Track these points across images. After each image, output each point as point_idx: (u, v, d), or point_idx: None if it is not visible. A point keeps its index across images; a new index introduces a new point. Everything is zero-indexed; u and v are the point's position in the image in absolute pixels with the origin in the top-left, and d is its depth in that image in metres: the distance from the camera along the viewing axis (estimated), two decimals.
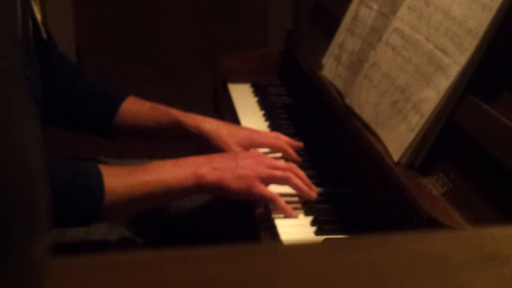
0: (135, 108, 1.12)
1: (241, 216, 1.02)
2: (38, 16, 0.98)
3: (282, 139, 1.10)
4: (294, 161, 1.07)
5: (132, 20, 2.88)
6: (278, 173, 0.92)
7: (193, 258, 0.29)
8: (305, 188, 0.93)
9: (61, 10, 2.81)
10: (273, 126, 1.27)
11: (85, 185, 0.82)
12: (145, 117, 1.12)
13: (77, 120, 1.15)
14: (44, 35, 1.01)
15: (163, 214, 1.12)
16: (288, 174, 0.92)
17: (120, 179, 0.85)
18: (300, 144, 1.11)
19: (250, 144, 1.07)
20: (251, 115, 1.33)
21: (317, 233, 0.87)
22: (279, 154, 1.09)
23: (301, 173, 0.95)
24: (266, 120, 1.31)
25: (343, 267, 0.28)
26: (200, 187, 0.88)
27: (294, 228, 0.89)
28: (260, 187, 0.89)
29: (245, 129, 1.13)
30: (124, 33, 2.89)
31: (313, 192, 0.94)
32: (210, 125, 1.08)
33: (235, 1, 2.83)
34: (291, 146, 1.09)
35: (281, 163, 0.95)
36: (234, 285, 0.27)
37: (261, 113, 1.34)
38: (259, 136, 1.09)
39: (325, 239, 0.85)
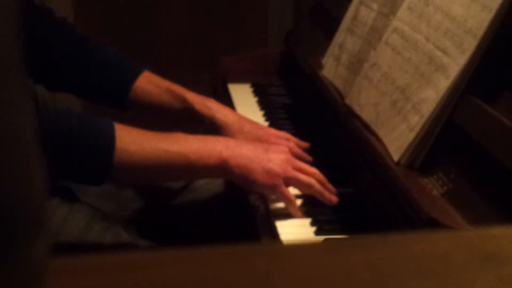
0: (149, 87, 1.07)
1: (241, 216, 1.02)
2: None
3: (292, 140, 1.08)
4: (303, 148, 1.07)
5: (132, 20, 2.88)
6: (303, 177, 0.91)
7: (193, 258, 0.29)
8: (328, 196, 0.92)
9: (61, 11, 2.81)
10: (273, 126, 1.26)
11: (95, 133, 0.79)
12: (159, 99, 1.07)
13: (88, 91, 1.10)
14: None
15: (163, 214, 1.12)
16: (312, 181, 0.91)
17: (136, 138, 0.80)
18: (306, 144, 1.10)
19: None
20: (251, 115, 1.33)
21: (317, 233, 0.87)
22: None
23: (323, 179, 0.94)
24: (266, 120, 1.31)
25: (343, 267, 0.28)
26: (223, 170, 0.85)
27: (294, 228, 0.89)
28: (284, 187, 0.88)
29: (265, 128, 1.09)
30: (124, 33, 2.89)
31: (334, 197, 0.93)
32: (224, 118, 1.04)
33: (235, 1, 2.84)
34: (301, 147, 1.09)
35: (307, 166, 0.93)
36: (234, 285, 0.27)
37: (261, 113, 1.34)
38: (270, 137, 1.05)
39: (325, 239, 0.85)
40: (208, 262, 0.28)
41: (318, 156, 1.13)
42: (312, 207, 0.93)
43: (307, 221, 0.90)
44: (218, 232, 1.11)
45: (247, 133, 1.03)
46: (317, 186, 0.92)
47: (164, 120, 1.12)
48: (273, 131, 1.10)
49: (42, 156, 0.25)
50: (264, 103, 1.39)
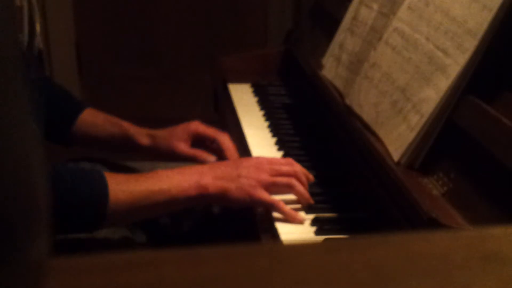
0: (90, 119, 1.16)
1: (241, 216, 1.02)
2: (37, 28, 0.99)
3: (226, 135, 1.12)
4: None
5: (132, 20, 2.88)
6: (281, 180, 0.92)
7: (193, 258, 0.29)
8: (306, 195, 0.92)
9: (61, 11, 2.81)
10: (273, 126, 1.27)
11: (89, 191, 0.83)
12: (99, 128, 1.15)
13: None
14: (41, 46, 1.03)
15: (163, 214, 1.12)
16: (291, 181, 0.92)
17: (124, 186, 0.85)
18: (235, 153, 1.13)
19: (188, 133, 1.12)
20: (251, 115, 1.33)
21: (317, 233, 0.87)
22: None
23: (304, 179, 0.94)
24: (266, 120, 1.31)
25: (343, 267, 0.28)
26: (203, 197, 0.88)
27: (294, 228, 0.89)
28: (260, 195, 0.89)
29: (181, 124, 1.16)
30: (124, 34, 2.89)
31: (310, 199, 0.93)
32: (146, 137, 1.13)
33: (235, 1, 2.84)
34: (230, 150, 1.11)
35: (285, 168, 0.94)
36: (234, 285, 0.27)
37: (261, 113, 1.35)
38: (196, 125, 1.13)
39: (325, 239, 0.85)
40: (208, 262, 0.28)
41: (318, 156, 1.13)
42: (312, 207, 0.93)
43: (307, 221, 0.90)
44: (218, 232, 1.11)
45: (163, 140, 1.12)
46: (298, 186, 0.92)
47: (105, 150, 1.20)
48: (191, 122, 1.16)
49: (44, 158, 0.25)
50: (264, 103, 1.39)
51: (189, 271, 0.27)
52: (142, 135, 1.14)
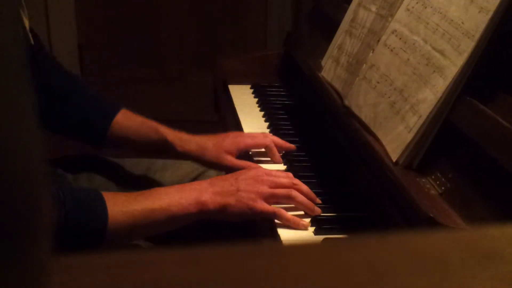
0: (126, 122, 1.13)
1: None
2: (26, 23, 0.98)
3: (269, 138, 1.11)
4: (289, 150, 1.11)
5: (133, 22, 2.88)
6: (280, 191, 0.91)
7: (193, 258, 0.28)
8: (309, 204, 0.92)
9: (63, 12, 2.81)
10: (273, 127, 1.27)
11: (88, 214, 0.82)
12: (135, 132, 1.13)
13: (69, 126, 1.14)
14: (31, 42, 1.02)
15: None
16: (291, 192, 0.91)
17: (123, 207, 0.84)
18: (292, 146, 1.12)
19: (238, 148, 1.09)
20: (251, 116, 1.34)
21: (316, 232, 0.88)
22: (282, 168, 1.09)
23: (305, 188, 0.93)
24: (266, 120, 1.31)
25: (342, 267, 0.28)
26: (202, 213, 0.88)
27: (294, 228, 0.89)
28: (261, 206, 0.89)
29: (228, 135, 1.14)
30: (126, 35, 2.89)
31: (317, 208, 0.92)
32: (195, 144, 1.10)
33: (235, 3, 2.84)
34: (282, 147, 1.11)
35: (284, 180, 0.93)
36: (234, 285, 0.27)
37: (261, 113, 1.35)
38: (245, 139, 1.10)
39: (324, 239, 0.86)
40: (208, 262, 0.28)
41: (317, 156, 1.14)
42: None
43: (306, 221, 0.90)
44: (218, 232, 1.11)
45: (220, 146, 1.09)
46: (298, 197, 0.91)
47: (140, 152, 1.18)
48: (248, 133, 1.15)
49: (45, 157, 0.25)
50: (264, 104, 1.40)
51: (189, 271, 0.27)
52: (185, 142, 1.10)
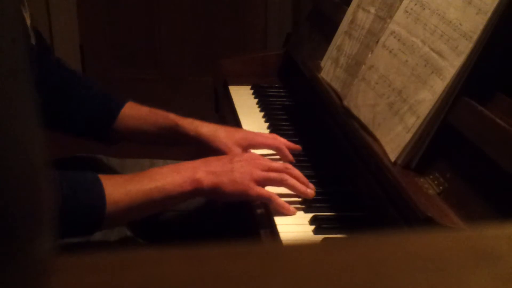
0: (134, 112, 1.13)
1: (241, 215, 1.03)
2: (28, 21, 0.98)
3: (279, 140, 1.11)
4: (294, 151, 1.11)
5: (134, 22, 2.89)
6: (273, 174, 0.93)
7: (193, 257, 0.28)
8: (301, 187, 0.94)
9: (65, 13, 2.82)
10: (273, 127, 1.28)
11: (86, 197, 0.83)
12: (144, 121, 1.12)
13: (76, 125, 1.15)
14: (33, 41, 1.02)
15: (164, 213, 1.13)
16: (283, 176, 0.94)
17: (120, 188, 0.85)
18: (298, 147, 1.13)
19: (249, 144, 1.09)
20: (251, 116, 1.34)
21: (316, 231, 0.88)
22: (277, 156, 1.11)
23: (297, 173, 0.96)
24: (266, 121, 1.32)
25: (341, 266, 0.28)
26: (197, 191, 0.89)
27: (293, 227, 0.90)
28: (255, 189, 0.91)
29: (241, 129, 1.15)
30: (127, 36, 2.90)
31: (310, 190, 0.95)
32: (207, 128, 1.10)
33: (235, 4, 2.84)
34: (289, 148, 1.11)
35: (276, 164, 0.96)
36: (233, 284, 0.27)
37: (261, 114, 1.36)
38: (256, 137, 1.11)
39: (324, 238, 0.87)
40: (208, 261, 0.28)
41: (317, 156, 1.14)
42: (310, 206, 0.94)
43: (306, 220, 0.91)
44: (217, 230, 1.12)
45: (232, 137, 1.09)
46: (290, 180, 0.94)
47: (151, 144, 1.17)
48: (260, 133, 1.14)
49: (46, 154, 0.25)
50: (264, 105, 1.40)
51: (189, 270, 0.27)
52: (197, 125, 1.10)
